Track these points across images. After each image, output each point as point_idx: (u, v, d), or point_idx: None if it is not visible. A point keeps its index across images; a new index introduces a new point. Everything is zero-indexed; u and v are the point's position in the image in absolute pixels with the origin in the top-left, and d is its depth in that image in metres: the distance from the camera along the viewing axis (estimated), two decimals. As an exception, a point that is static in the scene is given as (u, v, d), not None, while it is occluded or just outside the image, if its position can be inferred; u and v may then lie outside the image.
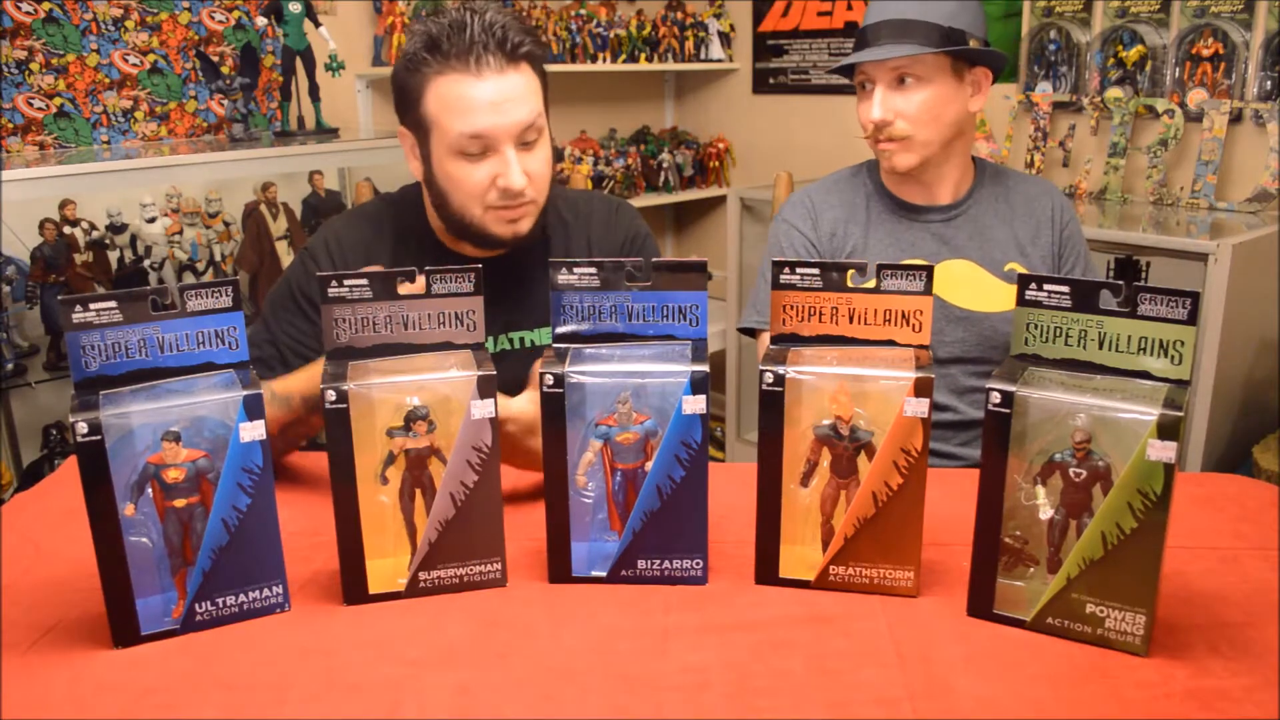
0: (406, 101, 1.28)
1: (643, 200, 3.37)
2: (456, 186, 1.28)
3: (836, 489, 0.94)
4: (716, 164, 3.56)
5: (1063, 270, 1.57)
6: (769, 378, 0.92)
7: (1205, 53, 2.49)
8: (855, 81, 1.53)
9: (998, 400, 0.86)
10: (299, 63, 2.48)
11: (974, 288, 1.53)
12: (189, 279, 2.41)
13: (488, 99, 1.23)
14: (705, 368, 0.93)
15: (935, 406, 1.53)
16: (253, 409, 0.88)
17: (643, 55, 3.30)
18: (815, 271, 0.94)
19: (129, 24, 2.39)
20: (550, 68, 1.33)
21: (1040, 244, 1.56)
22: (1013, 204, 1.58)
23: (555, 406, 0.94)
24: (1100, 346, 0.86)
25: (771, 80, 3.47)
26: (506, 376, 1.00)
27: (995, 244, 1.55)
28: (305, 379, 1.20)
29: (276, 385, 1.22)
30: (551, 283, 0.96)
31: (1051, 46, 2.76)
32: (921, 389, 0.89)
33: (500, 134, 1.24)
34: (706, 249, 3.72)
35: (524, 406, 1.12)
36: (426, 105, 1.25)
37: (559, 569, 0.98)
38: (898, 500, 0.92)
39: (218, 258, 2.48)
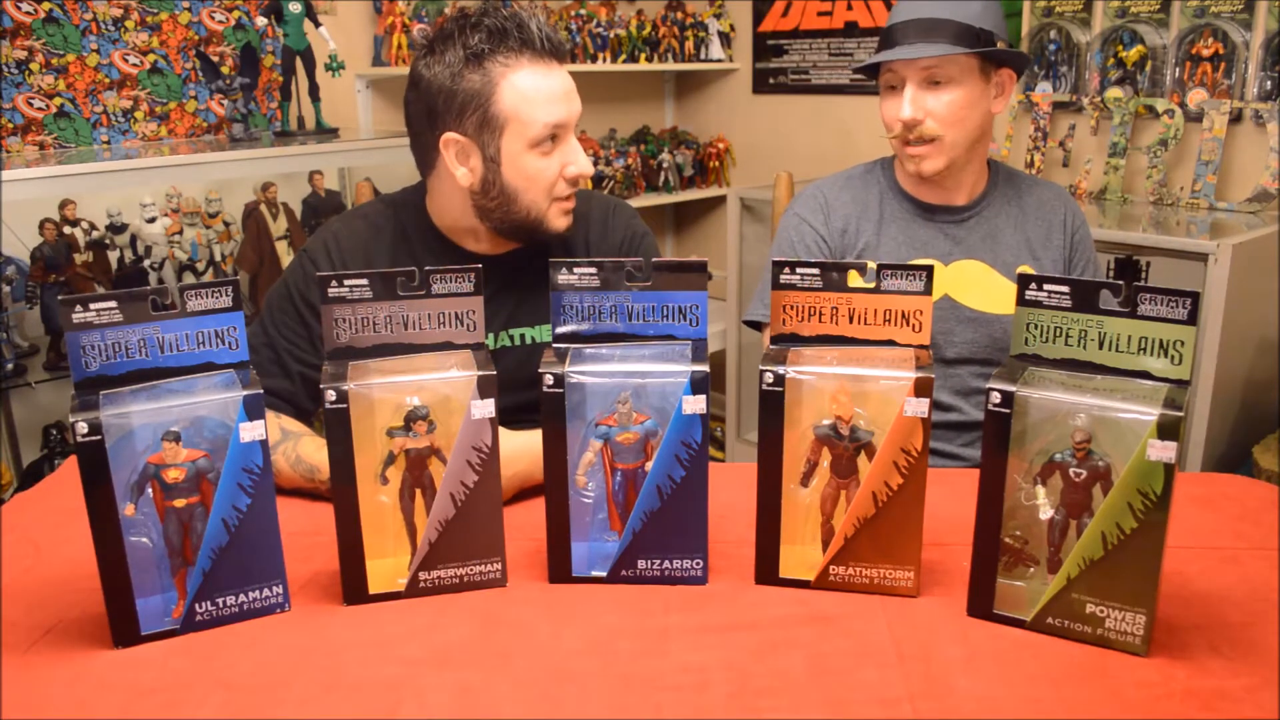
0: (466, 104, 1.24)
1: (643, 200, 3.37)
2: (532, 182, 1.28)
3: (836, 489, 0.94)
4: (716, 164, 3.56)
5: (1072, 275, 1.57)
6: (769, 378, 0.92)
7: (1205, 53, 2.49)
8: (882, 82, 1.52)
9: (998, 400, 0.86)
10: (299, 63, 2.48)
11: (985, 289, 1.53)
12: (189, 279, 2.41)
13: (562, 89, 1.27)
14: (705, 368, 0.93)
15: (939, 407, 1.54)
16: (253, 409, 0.88)
17: (643, 55, 3.30)
18: (815, 271, 0.94)
19: (129, 24, 2.39)
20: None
21: (1052, 248, 1.56)
22: (1025, 208, 1.58)
23: (555, 406, 0.94)
24: (1100, 346, 0.86)
25: (771, 80, 3.47)
26: (507, 374, 1.00)
27: (1007, 246, 1.55)
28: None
29: (304, 450, 1.19)
30: (551, 283, 0.96)
31: (1051, 46, 2.76)
32: (921, 389, 0.89)
33: (572, 123, 1.28)
34: (706, 249, 3.72)
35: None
36: (501, 101, 1.24)
37: (559, 569, 0.98)
38: (898, 500, 0.92)
39: (218, 258, 2.47)
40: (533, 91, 1.24)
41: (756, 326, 1.64)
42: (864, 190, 1.60)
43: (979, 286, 1.53)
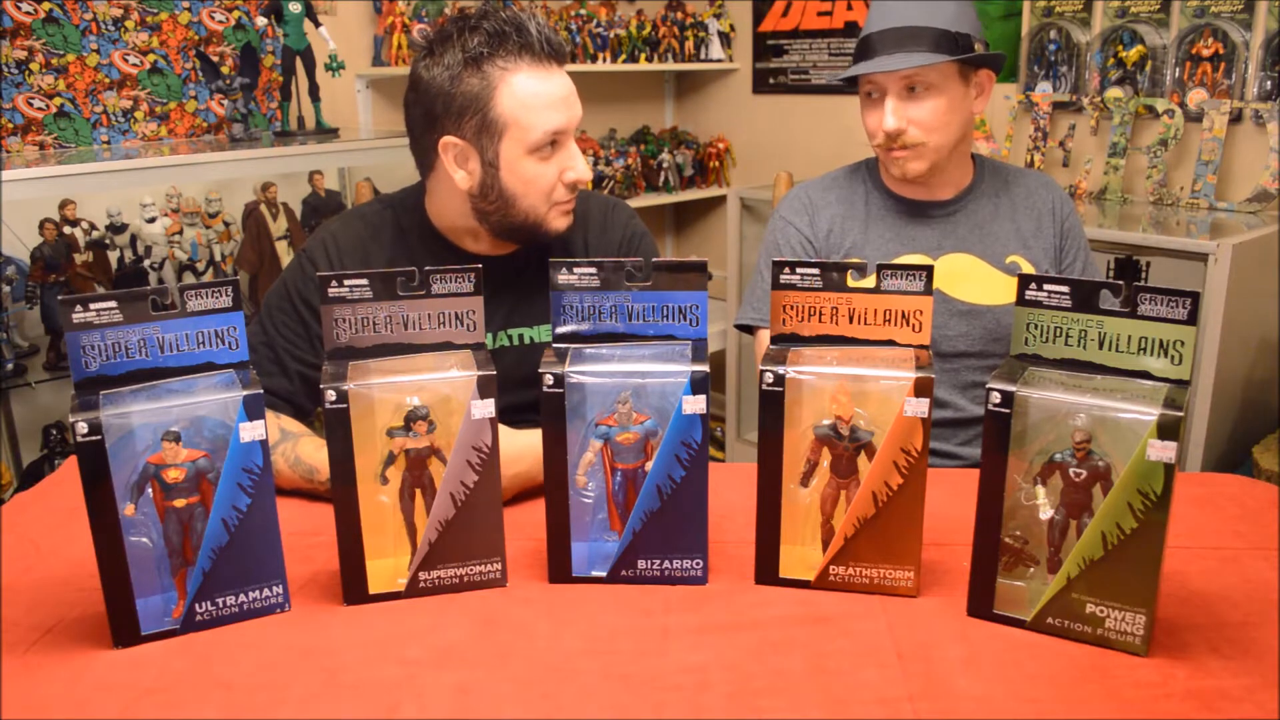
0: (464, 107, 1.23)
1: (643, 200, 3.37)
2: (530, 186, 1.27)
3: (836, 489, 0.94)
4: (716, 164, 3.56)
5: (1064, 262, 1.57)
6: (769, 378, 0.92)
7: (1205, 53, 2.49)
8: (862, 91, 1.52)
9: (998, 400, 0.86)
10: (299, 63, 2.48)
11: (976, 281, 1.53)
12: (189, 279, 2.41)
13: (562, 94, 1.26)
14: (705, 368, 0.93)
15: (936, 404, 1.54)
16: (253, 409, 0.88)
17: (643, 55, 3.30)
18: (815, 271, 0.94)
19: (129, 24, 2.39)
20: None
21: (1043, 236, 1.56)
22: (1014, 198, 1.58)
23: (555, 406, 0.94)
24: (1100, 346, 0.86)
25: (771, 80, 3.47)
26: (504, 374, 1.00)
27: (996, 237, 1.55)
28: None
29: (303, 451, 1.19)
30: (551, 283, 0.96)
31: (1051, 46, 2.76)
32: (921, 389, 0.89)
33: (572, 128, 1.27)
34: (706, 249, 3.72)
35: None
36: (499, 106, 1.23)
37: (559, 569, 0.98)
38: (898, 500, 0.92)
39: (218, 258, 2.48)
40: (532, 97, 1.23)
41: (748, 330, 1.64)
42: (849, 190, 1.61)
43: (970, 279, 1.54)
